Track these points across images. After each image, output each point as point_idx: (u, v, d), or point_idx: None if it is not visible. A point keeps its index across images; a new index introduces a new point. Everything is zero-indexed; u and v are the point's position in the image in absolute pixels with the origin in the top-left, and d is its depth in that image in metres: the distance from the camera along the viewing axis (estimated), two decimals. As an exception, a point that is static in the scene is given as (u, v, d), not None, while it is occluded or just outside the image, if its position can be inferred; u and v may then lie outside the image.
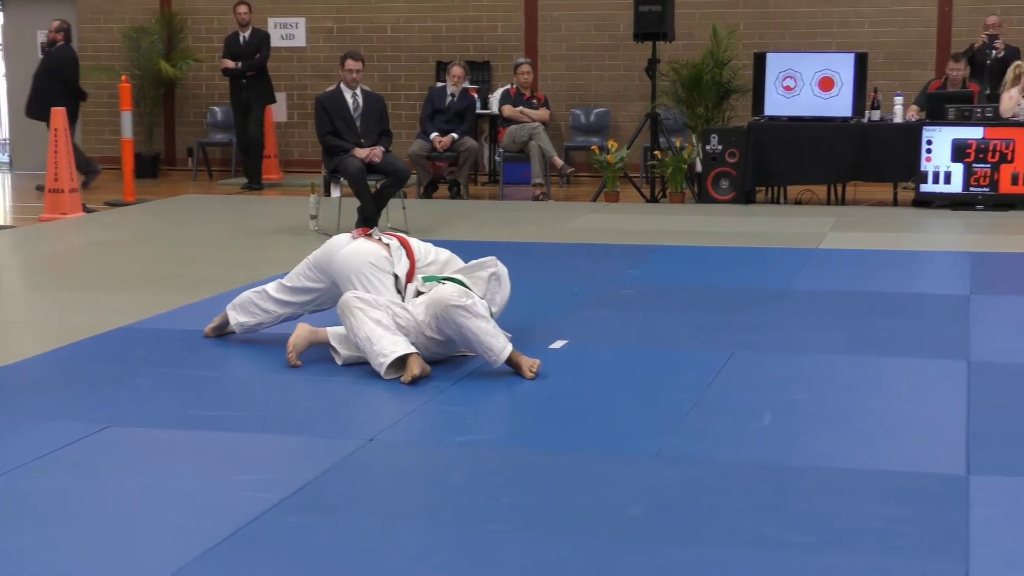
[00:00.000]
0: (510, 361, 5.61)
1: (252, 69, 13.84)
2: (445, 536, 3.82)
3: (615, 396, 5.38)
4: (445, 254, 6.20)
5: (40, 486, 4.26)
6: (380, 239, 6.12)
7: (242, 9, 14.00)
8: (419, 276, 6.00)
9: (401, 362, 5.55)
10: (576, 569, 3.56)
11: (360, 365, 5.74)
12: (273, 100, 14.29)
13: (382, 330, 5.60)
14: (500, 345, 5.59)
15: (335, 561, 3.62)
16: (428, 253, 6.15)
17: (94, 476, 4.39)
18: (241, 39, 13.99)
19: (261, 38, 14.06)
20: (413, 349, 5.59)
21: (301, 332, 5.87)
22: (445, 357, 5.84)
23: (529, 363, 5.60)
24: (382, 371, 5.54)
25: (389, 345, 5.55)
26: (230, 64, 13.86)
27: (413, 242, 6.18)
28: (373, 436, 4.79)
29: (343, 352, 5.80)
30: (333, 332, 5.85)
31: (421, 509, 4.10)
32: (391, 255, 6.00)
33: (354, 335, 5.67)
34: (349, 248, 6.01)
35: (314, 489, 4.22)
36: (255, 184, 13.88)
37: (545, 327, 6.54)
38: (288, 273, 6.28)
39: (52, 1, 15.96)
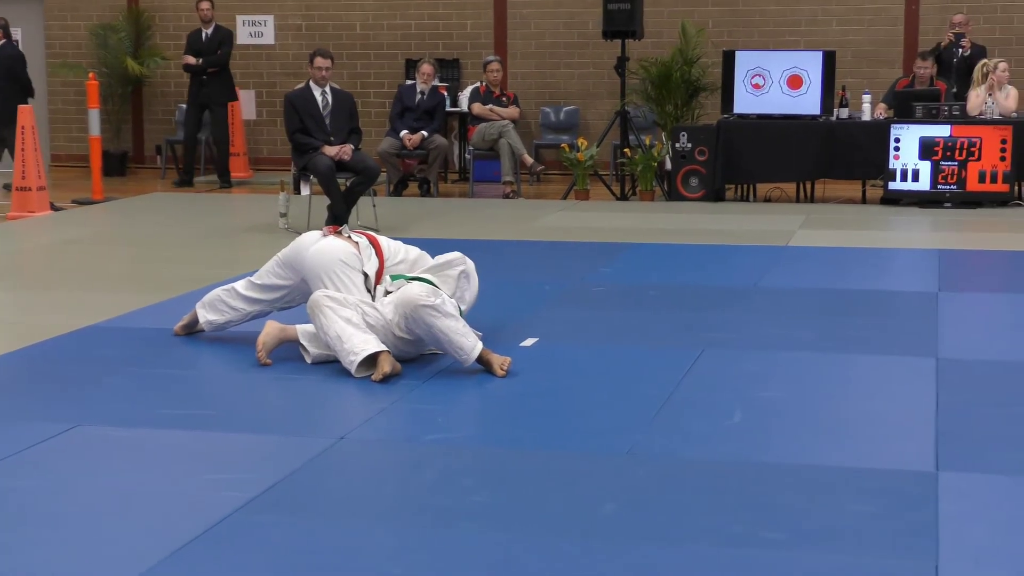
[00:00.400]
0: (480, 359, 5.60)
1: (213, 66, 13.79)
2: (416, 535, 3.81)
3: (586, 394, 5.38)
4: (415, 252, 6.19)
5: (8, 486, 4.24)
6: (350, 237, 6.11)
7: (204, 5, 13.94)
8: (387, 275, 5.99)
9: (372, 360, 5.54)
10: (548, 567, 3.56)
11: (330, 363, 5.73)
12: (234, 98, 14.23)
13: (352, 328, 5.59)
14: (470, 344, 5.59)
15: (306, 560, 3.60)
16: (397, 252, 6.14)
17: (63, 476, 4.36)
18: (203, 35, 13.93)
19: (224, 35, 14.01)
20: (383, 347, 5.57)
21: (270, 330, 5.85)
22: (415, 355, 5.83)
23: (500, 361, 5.60)
24: (352, 369, 5.52)
25: (359, 343, 5.54)
26: (191, 60, 13.80)
27: (382, 240, 6.17)
28: (344, 434, 4.78)
29: (312, 350, 5.79)
30: (302, 330, 5.83)
31: (392, 508, 4.09)
32: (360, 253, 5.99)
33: (324, 333, 5.66)
34: (319, 246, 5.99)
35: (284, 488, 4.20)
36: (224, 182, 13.82)
37: (516, 325, 6.54)
38: (258, 271, 6.26)
39: (18, -2, 15.85)
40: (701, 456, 4.53)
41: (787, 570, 3.53)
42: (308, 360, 5.79)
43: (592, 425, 4.91)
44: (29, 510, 4.01)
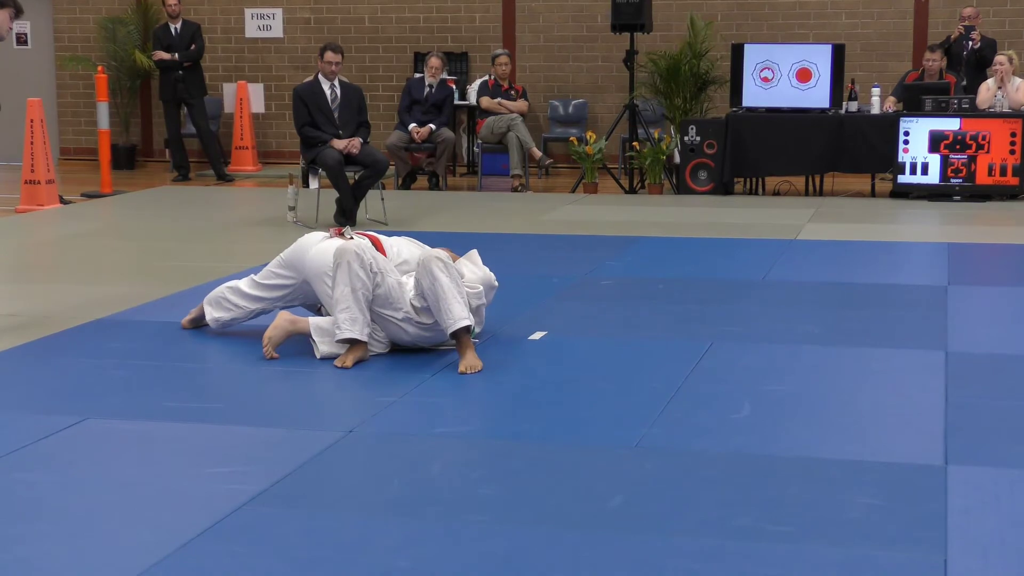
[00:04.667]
0: (459, 343, 5.60)
1: (189, 60, 13.78)
2: (424, 528, 3.81)
3: (594, 387, 5.38)
4: (418, 250, 6.19)
5: (17, 479, 4.24)
6: (352, 239, 6.10)
7: (172, 0, 13.92)
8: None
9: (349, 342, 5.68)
10: (556, 560, 3.56)
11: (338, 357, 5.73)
12: (207, 92, 14.20)
13: (353, 302, 5.65)
14: (459, 312, 5.57)
15: (313, 554, 3.61)
16: (400, 251, 6.13)
17: (71, 469, 4.37)
18: (173, 30, 13.91)
19: (193, 29, 13.99)
20: (364, 337, 5.66)
21: (280, 323, 5.85)
22: (425, 346, 5.83)
23: (470, 363, 5.54)
24: (335, 338, 5.67)
25: (348, 322, 5.64)
26: (165, 56, 13.78)
27: (384, 240, 6.15)
28: (352, 428, 4.78)
29: (322, 346, 5.78)
30: (315, 323, 5.83)
31: (400, 501, 4.09)
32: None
33: (332, 285, 5.74)
34: (320, 247, 6.00)
35: (292, 481, 4.21)
36: (225, 177, 13.80)
37: (524, 318, 6.54)
38: (261, 269, 6.27)
39: (27, -9, 15.86)
40: (709, 449, 4.53)
41: (794, 563, 3.53)
42: (317, 355, 5.78)
43: (600, 418, 4.91)
44: (37, 503, 4.02)
